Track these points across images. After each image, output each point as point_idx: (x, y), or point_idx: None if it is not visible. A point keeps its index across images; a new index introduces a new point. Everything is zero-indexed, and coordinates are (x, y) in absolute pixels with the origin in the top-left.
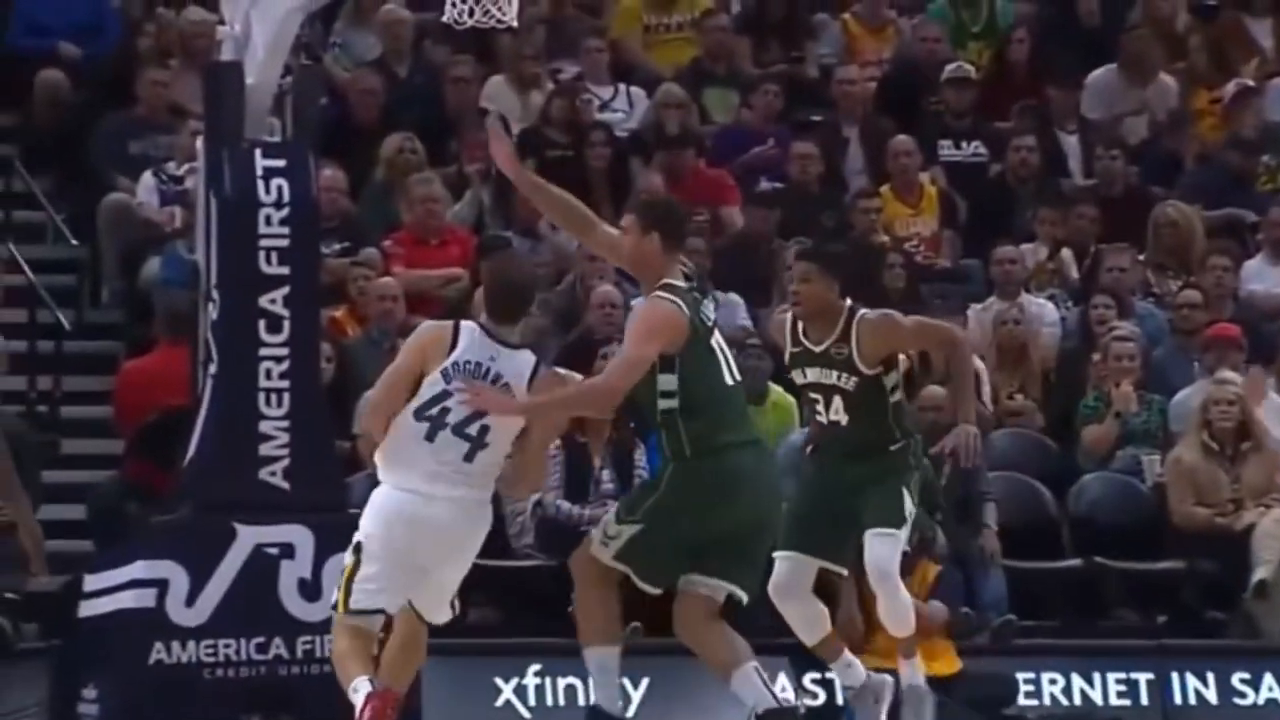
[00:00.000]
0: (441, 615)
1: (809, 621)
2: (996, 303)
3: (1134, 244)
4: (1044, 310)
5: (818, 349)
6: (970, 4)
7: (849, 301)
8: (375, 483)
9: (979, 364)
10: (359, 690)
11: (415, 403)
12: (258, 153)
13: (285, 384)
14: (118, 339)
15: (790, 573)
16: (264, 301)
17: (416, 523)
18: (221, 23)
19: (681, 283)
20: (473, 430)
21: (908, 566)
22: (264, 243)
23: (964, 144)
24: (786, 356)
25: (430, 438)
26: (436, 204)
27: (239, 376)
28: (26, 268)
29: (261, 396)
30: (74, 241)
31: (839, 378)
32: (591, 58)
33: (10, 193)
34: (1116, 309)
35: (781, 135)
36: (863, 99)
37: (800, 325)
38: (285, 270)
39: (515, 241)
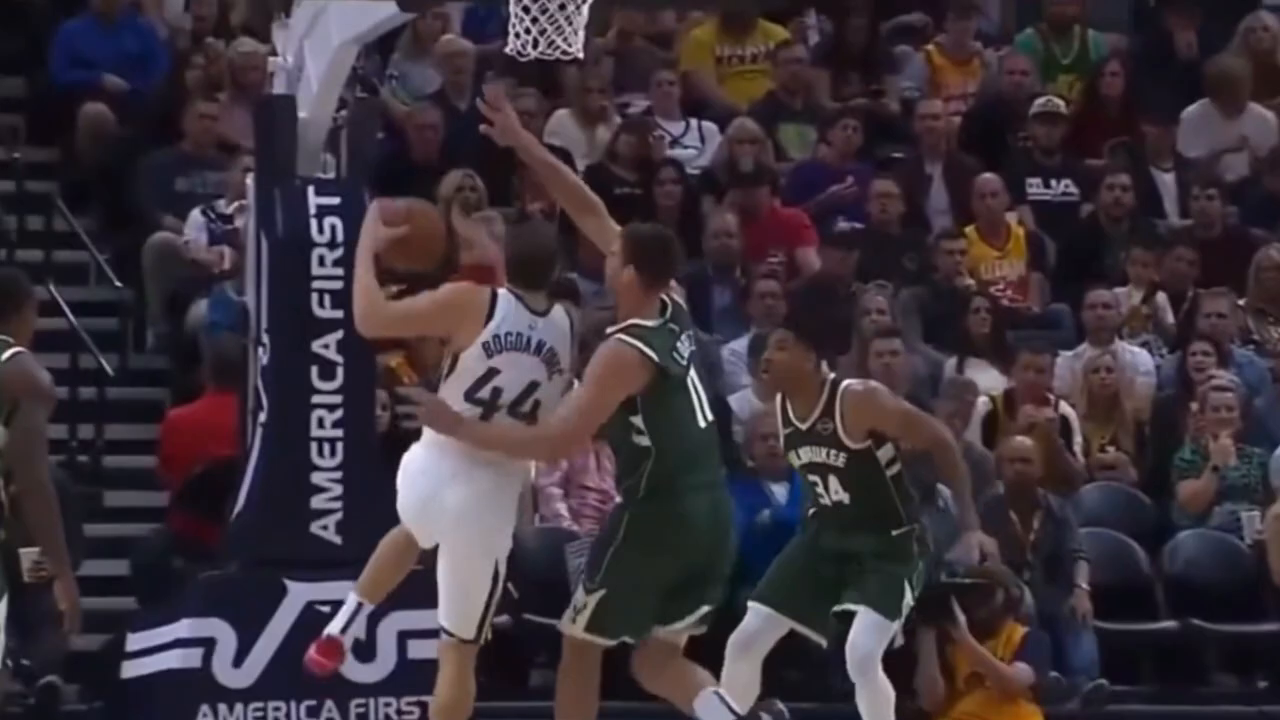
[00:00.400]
0: (451, 619)
1: (745, 687)
2: (1088, 349)
3: (1233, 288)
4: (1138, 358)
5: (804, 426)
6: (1061, 35)
7: (831, 374)
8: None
9: (1069, 411)
10: (345, 605)
11: (462, 383)
12: (311, 190)
13: (338, 433)
14: (163, 385)
15: (758, 627)
16: (316, 346)
17: (431, 503)
18: (273, 54)
19: (653, 321)
20: (526, 408)
21: (992, 628)
22: (317, 285)
23: (1053, 182)
24: (781, 440)
25: (485, 420)
26: (498, 244)
27: (290, 425)
28: (68, 310)
29: (313, 446)
30: (118, 283)
31: (828, 455)
32: (661, 91)
33: (51, 232)
34: (1215, 357)
35: (861, 172)
36: (946, 134)
37: (789, 405)
38: (339, 314)
39: (581, 285)
